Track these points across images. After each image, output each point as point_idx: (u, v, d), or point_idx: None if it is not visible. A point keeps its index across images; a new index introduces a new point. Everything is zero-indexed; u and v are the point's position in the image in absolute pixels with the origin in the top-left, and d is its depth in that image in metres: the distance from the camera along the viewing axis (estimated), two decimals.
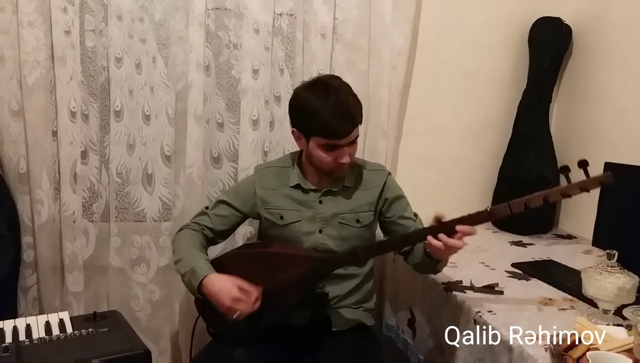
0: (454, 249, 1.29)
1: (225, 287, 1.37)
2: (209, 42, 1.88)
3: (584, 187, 1.23)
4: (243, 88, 1.90)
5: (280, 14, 1.93)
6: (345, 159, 1.44)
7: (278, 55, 1.95)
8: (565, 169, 1.26)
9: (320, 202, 1.54)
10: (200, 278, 1.39)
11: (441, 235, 1.27)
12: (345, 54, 1.97)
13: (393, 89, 2.02)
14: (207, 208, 1.62)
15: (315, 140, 1.44)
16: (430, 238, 1.29)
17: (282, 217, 1.55)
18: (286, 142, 1.98)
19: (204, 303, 1.44)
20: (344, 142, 1.42)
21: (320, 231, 1.54)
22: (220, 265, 1.48)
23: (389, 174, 1.62)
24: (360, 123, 1.47)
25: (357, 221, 1.54)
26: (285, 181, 1.57)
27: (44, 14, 1.71)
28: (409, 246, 1.50)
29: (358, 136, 1.47)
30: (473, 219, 1.28)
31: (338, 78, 1.50)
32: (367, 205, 1.56)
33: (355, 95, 1.46)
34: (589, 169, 1.21)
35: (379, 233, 1.66)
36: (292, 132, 1.52)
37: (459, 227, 1.27)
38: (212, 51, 1.90)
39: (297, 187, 1.55)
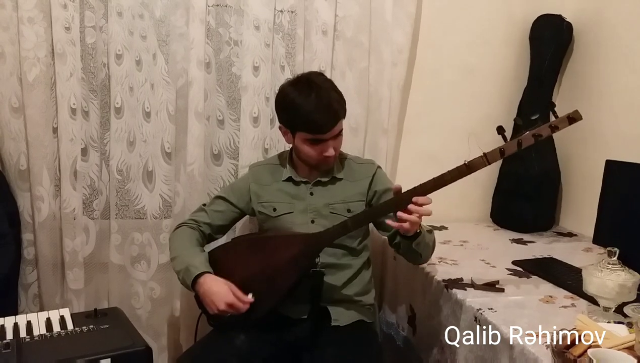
0: (411, 221, 1.31)
1: (222, 290, 1.41)
2: (210, 38, 1.88)
3: (554, 126, 1.28)
4: (243, 85, 1.90)
5: (281, 11, 1.93)
6: (330, 152, 1.50)
7: (279, 52, 1.95)
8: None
9: (312, 194, 1.59)
10: (193, 277, 1.43)
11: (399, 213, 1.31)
12: (346, 51, 1.97)
13: (394, 86, 2.01)
14: (204, 205, 1.67)
15: (300, 136, 1.50)
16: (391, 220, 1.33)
17: (274, 209, 1.60)
18: None
19: None
20: (328, 136, 1.48)
21: (313, 221, 1.58)
22: (217, 257, 1.52)
23: (379, 167, 1.66)
24: (344, 117, 1.52)
25: (348, 211, 1.57)
26: (278, 177, 1.62)
27: (44, 10, 1.71)
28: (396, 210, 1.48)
29: (342, 129, 1.52)
30: (453, 175, 1.31)
31: (322, 75, 1.57)
32: (357, 195, 1.60)
33: (338, 91, 1.51)
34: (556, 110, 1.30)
35: (372, 227, 1.67)
36: (279, 128, 1.58)
37: (414, 199, 1.30)
38: (212, 48, 1.90)
39: (289, 180, 1.60)
